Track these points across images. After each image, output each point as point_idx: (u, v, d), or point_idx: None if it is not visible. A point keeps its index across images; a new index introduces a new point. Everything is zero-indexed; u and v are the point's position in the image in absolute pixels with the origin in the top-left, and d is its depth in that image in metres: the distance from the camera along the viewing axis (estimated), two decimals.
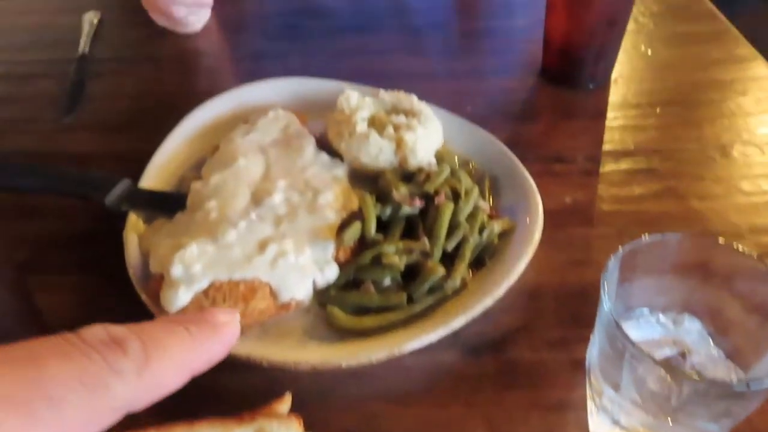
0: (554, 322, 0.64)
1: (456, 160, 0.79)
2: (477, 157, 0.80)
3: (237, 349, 0.58)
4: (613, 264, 0.49)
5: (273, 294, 0.61)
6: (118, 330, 0.23)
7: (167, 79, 1.05)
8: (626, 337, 0.44)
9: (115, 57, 1.10)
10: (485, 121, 0.84)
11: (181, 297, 0.58)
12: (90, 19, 1.18)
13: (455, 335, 0.60)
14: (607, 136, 0.89)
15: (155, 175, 0.77)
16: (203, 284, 0.59)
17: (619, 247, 0.49)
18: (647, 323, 0.54)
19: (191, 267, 0.60)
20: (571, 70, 0.96)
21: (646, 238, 0.50)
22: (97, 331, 0.23)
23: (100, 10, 1.20)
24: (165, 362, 0.22)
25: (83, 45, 1.10)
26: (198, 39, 1.13)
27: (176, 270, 0.60)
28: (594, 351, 0.52)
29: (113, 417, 0.22)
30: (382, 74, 1.01)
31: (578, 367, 0.57)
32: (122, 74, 1.06)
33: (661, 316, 0.54)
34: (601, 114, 0.93)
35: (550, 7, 0.94)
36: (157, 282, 0.61)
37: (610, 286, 0.49)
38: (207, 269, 0.60)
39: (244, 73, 1.04)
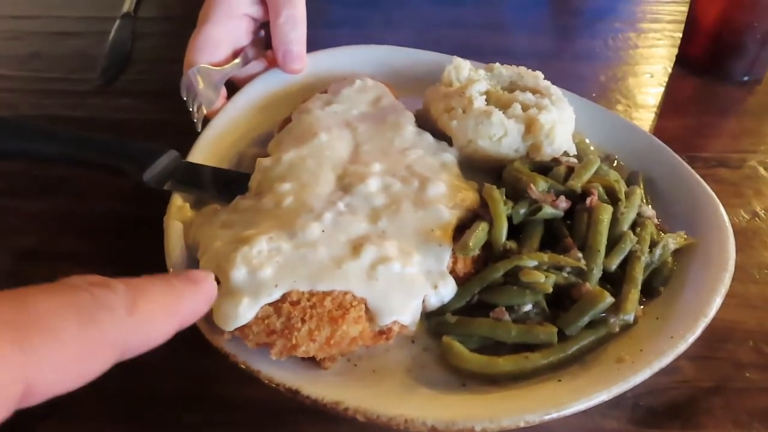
0: (764, 383, 0.45)
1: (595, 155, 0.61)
2: (620, 153, 0.62)
3: (321, 392, 0.40)
4: None
5: (370, 315, 0.43)
6: (100, 277, 0.24)
7: None
8: None
9: (164, 16, 0.95)
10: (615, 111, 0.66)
11: (243, 311, 0.41)
12: None
13: None
14: None
15: (208, 149, 0.60)
16: (275, 295, 0.42)
17: None
18: None
19: (259, 270, 0.42)
20: (723, 60, 0.77)
21: None
22: (77, 278, 0.24)
23: None
24: (152, 305, 0.24)
25: (129, 3, 0.95)
26: None
27: (238, 274, 0.42)
28: None
29: (109, 356, 0.22)
30: (481, 50, 0.83)
31: None
32: (173, 36, 0.90)
33: None
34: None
35: None
36: None
37: None
38: (281, 275, 0.43)
39: (317, 41, 0.87)
